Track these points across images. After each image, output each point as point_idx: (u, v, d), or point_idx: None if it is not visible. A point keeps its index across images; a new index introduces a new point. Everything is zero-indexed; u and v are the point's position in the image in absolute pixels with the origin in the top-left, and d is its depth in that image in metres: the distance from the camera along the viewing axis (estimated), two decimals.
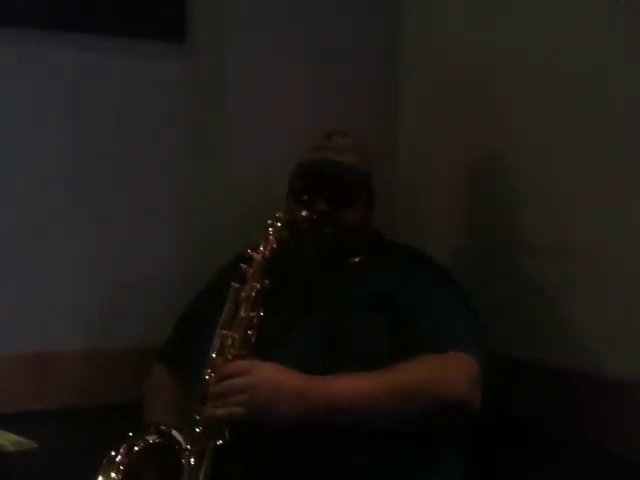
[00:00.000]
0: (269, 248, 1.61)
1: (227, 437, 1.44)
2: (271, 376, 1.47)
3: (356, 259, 1.74)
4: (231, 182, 2.04)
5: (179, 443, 1.43)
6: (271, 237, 1.62)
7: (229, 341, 1.52)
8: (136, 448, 1.42)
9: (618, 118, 1.62)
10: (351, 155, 1.74)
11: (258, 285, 1.57)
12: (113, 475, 1.39)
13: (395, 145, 2.17)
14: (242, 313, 1.55)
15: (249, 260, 1.61)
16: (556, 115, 1.75)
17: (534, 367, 1.77)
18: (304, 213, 1.68)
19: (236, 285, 1.58)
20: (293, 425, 1.45)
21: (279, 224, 1.64)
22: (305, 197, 1.71)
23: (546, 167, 1.77)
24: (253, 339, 1.54)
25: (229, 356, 1.51)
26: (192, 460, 1.42)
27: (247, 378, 1.45)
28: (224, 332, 1.53)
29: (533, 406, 1.77)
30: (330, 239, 1.69)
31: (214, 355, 1.52)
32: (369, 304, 1.61)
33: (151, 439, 1.44)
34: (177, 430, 1.45)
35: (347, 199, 1.71)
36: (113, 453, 1.40)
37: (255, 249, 1.62)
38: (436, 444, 1.57)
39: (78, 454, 1.79)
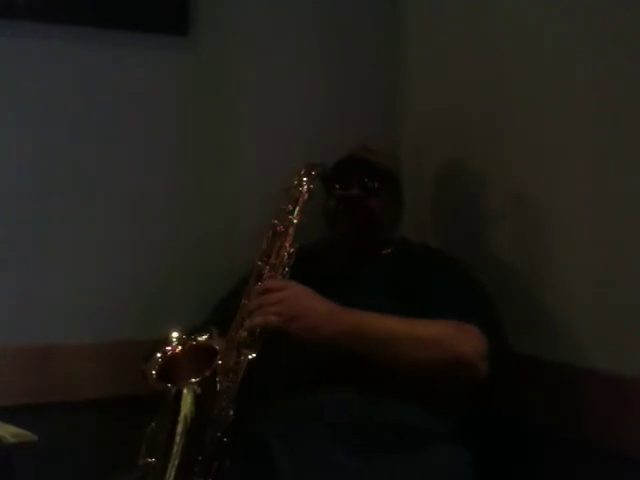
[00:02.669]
0: (306, 188, 1.73)
1: (259, 348, 1.55)
2: (304, 292, 1.59)
3: (380, 252, 1.86)
4: (231, 180, 2.04)
5: (214, 346, 1.53)
6: (306, 180, 1.74)
7: (266, 269, 1.65)
8: (180, 348, 1.54)
9: (613, 123, 1.64)
10: (383, 157, 1.89)
11: (295, 220, 1.68)
12: (158, 354, 1.52)
13: (396, 145, 2.17)
14: (278, 244, 1.67)
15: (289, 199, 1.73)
16: (553, 121, 1.78)
17: (531, 362, 1.79)
18: (339, 192, 1.84)
19: (274, 221, 1.69)
20: (321, 341, 1.56)
21: (314, 172, 1.75)
22: (339, 185, 1.85)
23: (543, 169, 1.80)
24: (287, 269, 1.64)
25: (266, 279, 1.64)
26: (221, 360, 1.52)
27: (282, 293, 1.58)
28: (260, 263, 1.66)
29: (529, 402, 1.80)
30: (359, 220, 1.82)
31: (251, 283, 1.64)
32: (387, 295, 1.71)
33: (194, 342, 1.55)
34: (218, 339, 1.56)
35: (377, 190, 1.84)
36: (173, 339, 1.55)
37: (295, 190, 1.73)
38: (435, 413, 1.64)
39: (78, 447, 1.81)
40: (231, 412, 1.53)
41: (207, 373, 1.49)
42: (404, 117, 2.21)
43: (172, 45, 1.97)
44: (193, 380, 1.47)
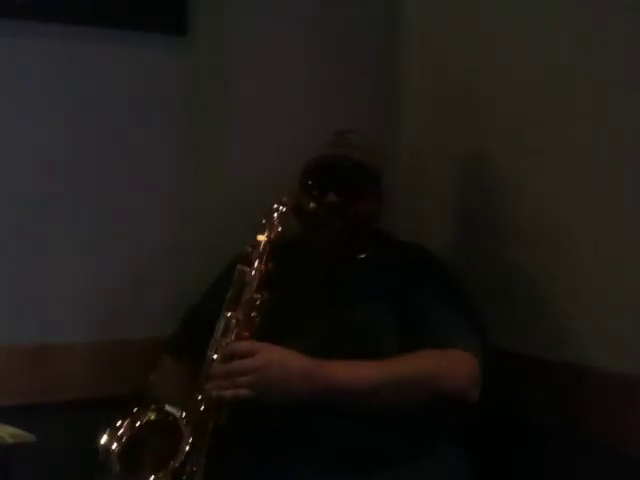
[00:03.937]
0: (274, 231, 1.64)
1: (226, 417, 1.48)
2: (277, 358, 1.51)
3: (363, 255, 1.78)
4: (230, 180, 2.03)
5: (180, 424, 1.46)
6: (276, 220, 1.65)
7: (233, 322, 1.56)
8: (138, 423, 1.45)
9: (615, 120, 1.64)
10: (362, 152, 1.79)
11: (263, 267, 1.60)
12: (114, 446, 1.42)
13: (396, 144, 2.17)
14: (246, 295, 1.58)
15: (255, 243, 1.64)
16: (552, 120, 1.78)
17: (531, 362, 1.78)
18: (312, 205, 1.72)
19: (241, 267, 1.61)
20: (295, 403, 1.50)
21: (284, 209, 1.66)
22: (315, 191, 1.75)
23: (543, 169, 1.80)
24: (257, 320, 1.57)
25: (232, 337, 1.54)
26: (192, 440, 1.45)
27: (253, 360, 1.49)
28: (228, 314, 1.57)
29: (531, 401, 1.79)
30: (338, 231, 1.73)
31: (218, 336, 1.56)
32: (376, 302, 1.66)
33: (153, 416, 1.47)
34: (179, 410, 1.47)
35: (357, 194, 1.75)
36: (117, 424, 1.44)
37: (261, 232, 1.65)
38: (432, 428, 1.61)
39: (76, 447, 1.79)
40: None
41: (174, 465, 1.43)
42: (404, 116, 2.20)
43: (171, 45, 1.96)
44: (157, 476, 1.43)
